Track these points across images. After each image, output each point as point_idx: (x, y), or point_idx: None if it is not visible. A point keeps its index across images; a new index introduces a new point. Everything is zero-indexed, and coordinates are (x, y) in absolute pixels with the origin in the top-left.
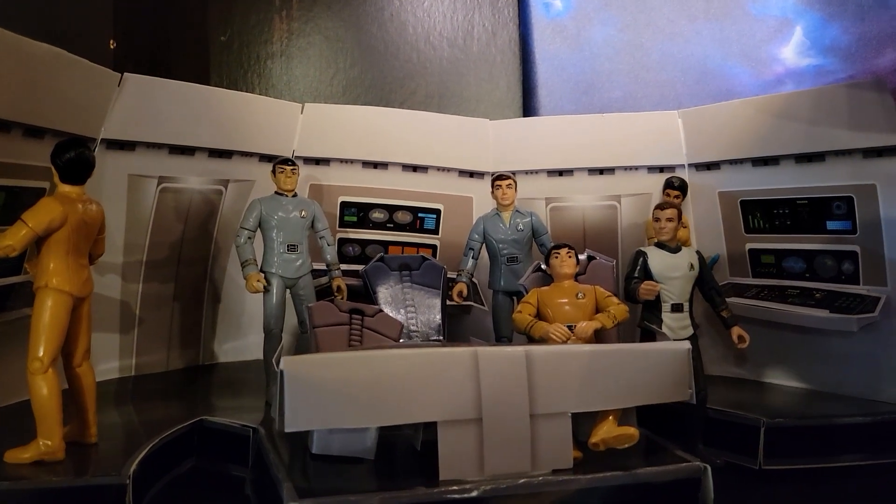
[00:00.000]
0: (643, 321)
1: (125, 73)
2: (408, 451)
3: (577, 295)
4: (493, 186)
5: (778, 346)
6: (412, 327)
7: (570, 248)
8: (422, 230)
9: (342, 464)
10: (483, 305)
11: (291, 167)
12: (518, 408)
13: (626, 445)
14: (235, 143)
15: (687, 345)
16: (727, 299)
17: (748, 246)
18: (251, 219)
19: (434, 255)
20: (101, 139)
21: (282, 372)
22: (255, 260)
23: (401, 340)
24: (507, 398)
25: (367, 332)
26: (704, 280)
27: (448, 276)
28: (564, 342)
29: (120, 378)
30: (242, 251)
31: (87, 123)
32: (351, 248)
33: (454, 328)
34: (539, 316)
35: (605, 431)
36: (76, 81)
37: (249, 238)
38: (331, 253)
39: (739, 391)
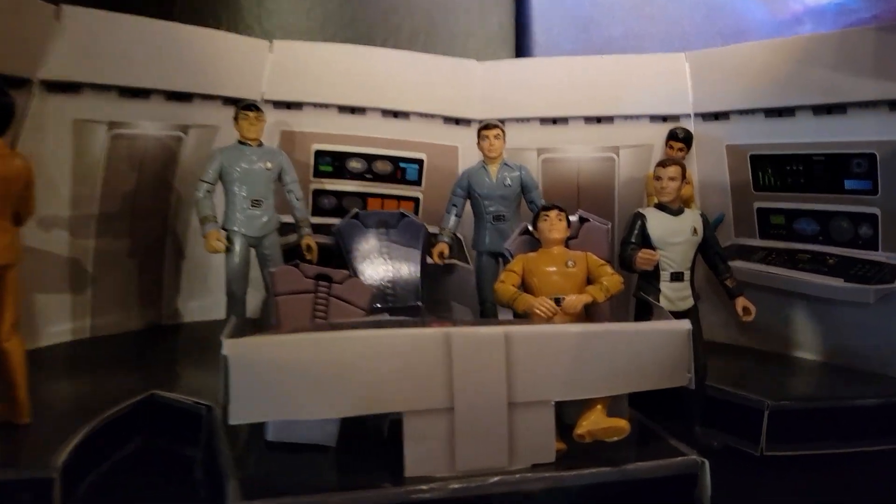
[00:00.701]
0: (639, 291)
1: (62, 5)
2: (374, 436)
3: (566, 263)
4: (479, 137)
5: (785, 314)
6: (388, 291)
7: (561, 209)
8: (403, 181)
9: (299, 453)
10: (468, 264)
11: (255, 113)
12: (495, 396)
13: (615, 439)
14: (196, 84)
15: (687, 325)
16: (731, 263)
17: (757, 205)
18: (210, 171)
19: (416, 208)
20: (40, 80)
21: (225, 357)
22: (216, 216)
23: (377, 305)
24: (482, 385)
25: (333, 300)
26: (708, 245)
27: (430, 233)
28: (550, 318)
29: (73, 341)
30: (201, 206)
31: (16, 62)
32: (326, 201)
33: (436, 289)
34: (524, 286)
35: (593, 422)
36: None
37: (209, 192)
38: (300, 209)
39: (742, 363)
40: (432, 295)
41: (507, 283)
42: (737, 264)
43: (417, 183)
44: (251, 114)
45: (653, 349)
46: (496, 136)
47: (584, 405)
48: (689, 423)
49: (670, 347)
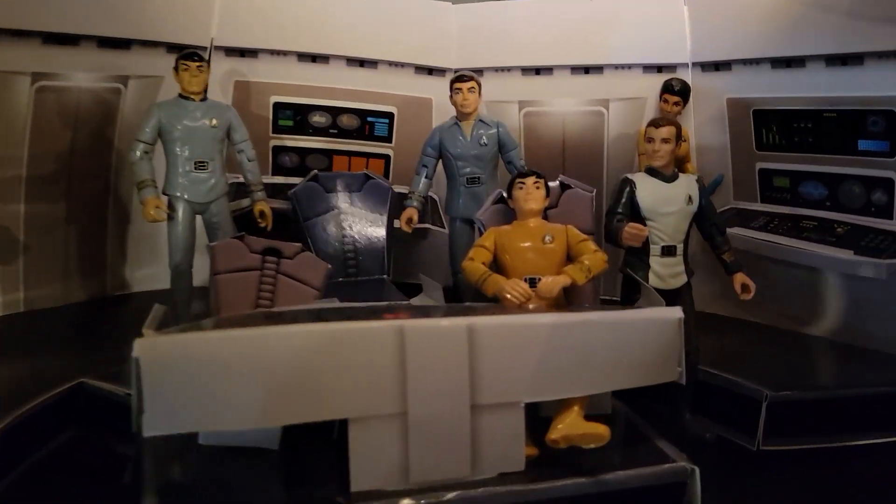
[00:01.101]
0: (626, 266)
1: None
2: (322, 437)
3: (543, 238)
4: (451, 90)
5: (787, 286)
6: (350, 262)
7: (539, 175)
8: (372, 137)
9: (235, 459)
10: (443, 227)
11: (198, 63)
12: (455, 397)
13: (593, 446)
14: (134, 29)
15: (678, 313)
16: (729, 229)
17: (759, 165)
18: (147, 129)
19: (387, 167)
20: None
21: (135, 360)
22: (154, 181)
23: (340, 279)
24: (441, 385)
25: (282, 279)
26: (704, 215)
27: (401, 196)
28: (523, 304)
29: (3, 316)
30: (138, 169)
31: None
32: (287, 158)
33: (407, 257)
34: (496, 263)
35: (568, 426)
36: None
37: (146, 153)
38: (252, 171)
39: (738, 341)
40: (403, 264)
41: (475, 261)
42: (735, 231)
43: (387, 139)
44: (192, 64)
45: (639, 341)
46: (470, 90)
47: (560, 404)
48: (679, 411)
49: (659, 339)
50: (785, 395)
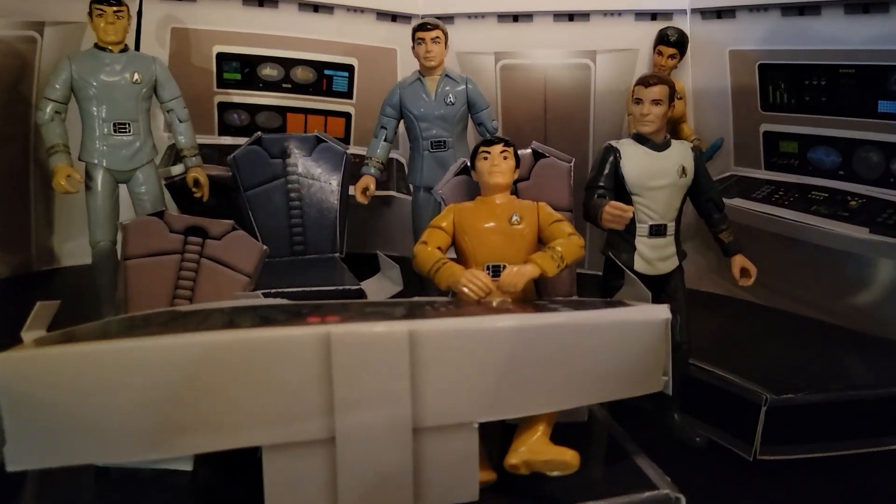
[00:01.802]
0: (609, 247)
1: None
2: (244, 456)
3: (510, 218)
4: (413, 40)
5: (792, 264)
6: (297, 239)
7: (508, 143)
8: (330, 93)
9: (139, 484)
10: (409, 195)
11: (115, 7)
12: (394, 419)
13: (558, 474)
14: None
15: (665, 313)
16: (729, 201)
17: (764, 127)
18: (57, 85)
19: (348, 126)
20: None
21: None
22: (67, 145)
23: (284, 258)
24: (377, 405)
25: (206, 264)
26: (700, 188)
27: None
28: (482, 299)
29: None
30: (46, 132)
31: None
32: (236, 116)
33: (368, 227)
34: (455, 248)
35: (531, 450)
36: None
37: (57, 113)
38: (184, 133)
39: (735, 326)
40: (364, 234)
41: (429, 246)
42: (735, 202)
43: (348, 95)
44: (108, 8)
45: (617, 347)
46: (434, 40)
47: (523, 420)
48: (667, 410)
49: (642, 343)
50: (787, 398)
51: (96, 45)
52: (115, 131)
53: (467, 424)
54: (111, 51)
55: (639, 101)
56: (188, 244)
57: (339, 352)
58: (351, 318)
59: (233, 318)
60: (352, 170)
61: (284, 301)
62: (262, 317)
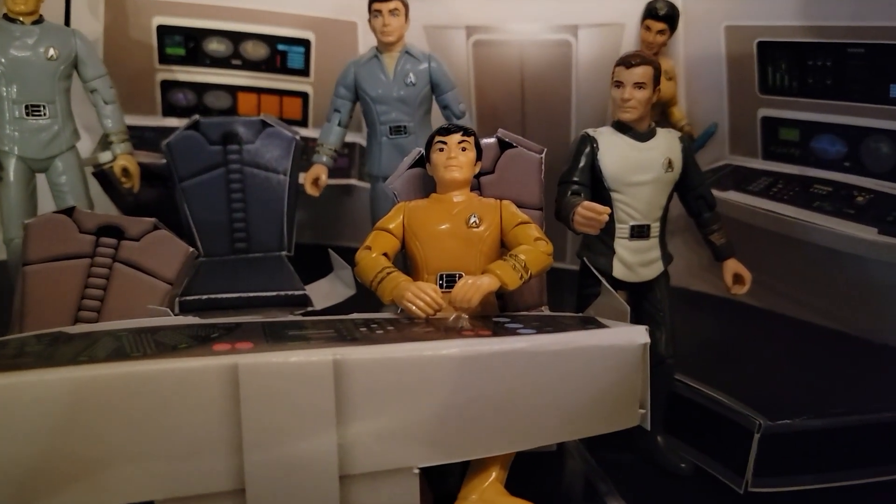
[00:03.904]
0: (585, 249)
1: None
2: None
3: (468, 220)
4: (370, 12)
5: (791, 264)
6: (239, 236)
7: (468, 132)
8: (284, 70)
9: None
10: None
11: None
12: (317, 465)
13: None
14: None
15: (642, 336)
16: (723, 194)
17: (762, 112)
18: None
19: (305, 106)
20: None
21: None
22: None
23: (227, 258)
24: (294, 450)
25: (119, 269)
26: (689, 184)
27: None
28: (428, 318)
29: None
30: None
31: None
32: (182, 96)
33: (328, 217)
34: (405, 252)
35: (482, 499)
36: None
37: None
38: (112, 116)
39: (727, 332)
40: (324, 225)
41: (373, 251)
42: (729, 196)
43: (304, 72)
44: None
45: (586, 376)
46: (393, 12)
47: (474, 462)
48: (650, 432)
49: (615, 373)
50: (784, 424)
51: (5, 16)
52: (28, 114)
53: (406, 469)
54: (22, 22)
55: (619, 85)
56: (100, 246)
57: (248, 386)
58: (267, 344)
59: (125, 345)
60: (305, 157)
61: (194, 320)
62: (161, 343)
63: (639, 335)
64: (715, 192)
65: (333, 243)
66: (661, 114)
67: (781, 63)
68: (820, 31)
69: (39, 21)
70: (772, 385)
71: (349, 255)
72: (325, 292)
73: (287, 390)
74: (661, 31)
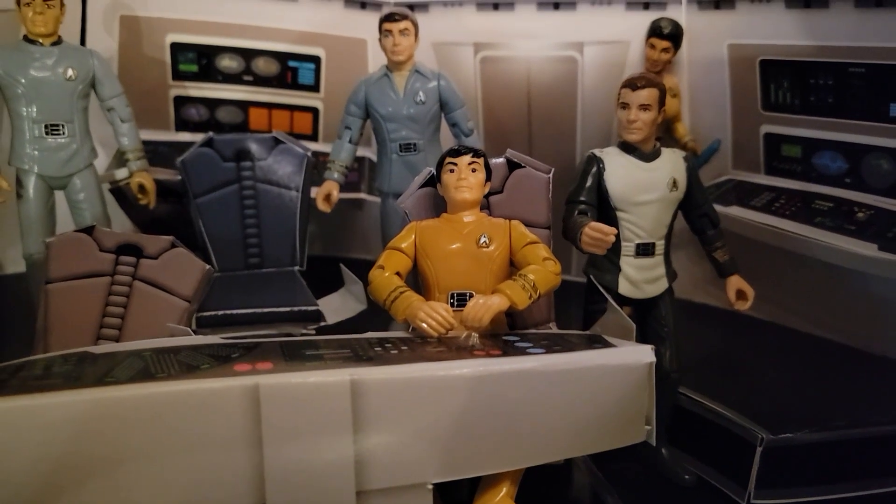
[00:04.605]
0: (591, 267)
1: None
2: None
3: (478, 240)
4: (380, 31)
5: (793, 278)
6: (252, 251)
7: (478, 154)
8: (295, 86)
9: None
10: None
11: None
12: (336, 482)
13: None
14: None
15: (648, 355)
16: (726, 209)
17: (765, 129)
18: None
19: (315, 122)
20: None
21: None
22: None
23: (241, 273)
24: (314, 467)
25: (139, 287)
26: (693, 203)
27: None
28: (441, 336)
29: None
30: None
31: None
32: (194, 111)
33: (340, 231)
34: (416, 272)
35: None
36: None
37: None
38: (128, 134)
39: (731, 345)
40: (337, 238)
41: (386, 271)
42: (732, 211)
43: (314, 88)
44: None
45: (593, 395)
46: (403, 32)
47: (485, 476)
48: (655, 446)
49: (621, 391)
50: (786, 438)
51: (25, 38)
52: (47, 133)
53: (420, 485)
54: (41, 44)
55: (625, 106)
56: (120, 265)
57: (269, 405)
58: (286, 363)
59: (150, 366)
60: (316, 172)
61: (214, 339)
62: (184, 363)
63: (645, 354)
64: (718, 207)
65: (344, 255)
66: (665, 130)
67: (784, 81)
68: (821, 51)
69: (58, 42)
70: (774, 398)
71: (359, 267)
72: (337, 307)
73: (306, 409)
74: (665, 49)
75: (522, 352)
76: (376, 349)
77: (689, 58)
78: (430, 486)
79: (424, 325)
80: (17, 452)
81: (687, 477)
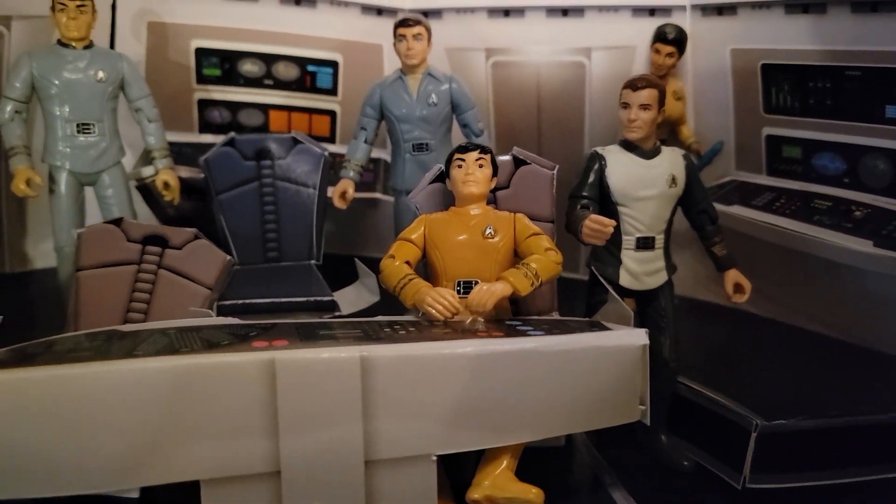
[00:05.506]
0: (593, 259)
1: None
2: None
3: (484, 231)
4: (394, 36)
5: (791, 274)
6: (271, 245)
7: (485, 150)
8: (314, 90)
9: None
10: None
11: (78, 2)
12: (345, 451)
13: None
14: None
15: (642, 338)
16: (728, 208)
17: (766, 131)
18: (17, 83)
19: (333, 124)
20: None
21: None
22: (27, 146)
23: (260, 266)
24: (326, 436)
25: (164, 275)
26: (692, 199)
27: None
28: (446, 320)
29: None
30: (6, 133)
31: None
32: (217, 114)
33: (354, 228)
34: (425, 261)
35: (494, 485)
36: None
37: (18, 112)
38: (154, 133)
39: (728, 339)
40: (351, 236)
41: (396, 260)
42: (735, 210)
43: (332, 91)
44: (70, 3)
45: (590, 374)
46: (416, 37)
47: (487, 451)
48: (654, 431)
49: (616, 371)
50: (779, 424)
51: (59, 42)
52: (78, 132)
53: (425, 457)
54: (74, 47)
55: (626, 106)
56: (146, 254)
57: (284, 379)
58: (301, 342)
59: (174, 342)
60: (333, 173)
61: (233, 321)
62: (206, 340)
63: (639, 337)
64: (720, 207)
65: (359, 253)
66: (670, 132)
67: (784, 84)
68: (820, 55)
69: (90, 46)
70: (770, 388)
71: (374, 265)
72: (352, 298)
73: (319, 383)
74: (669, 54)
75: (523, 334)
76: (386, 330)
77: (693, 62)
78: (434, 458)
79: (432, 309)
80: (49, 417)
81: (685, 462)
